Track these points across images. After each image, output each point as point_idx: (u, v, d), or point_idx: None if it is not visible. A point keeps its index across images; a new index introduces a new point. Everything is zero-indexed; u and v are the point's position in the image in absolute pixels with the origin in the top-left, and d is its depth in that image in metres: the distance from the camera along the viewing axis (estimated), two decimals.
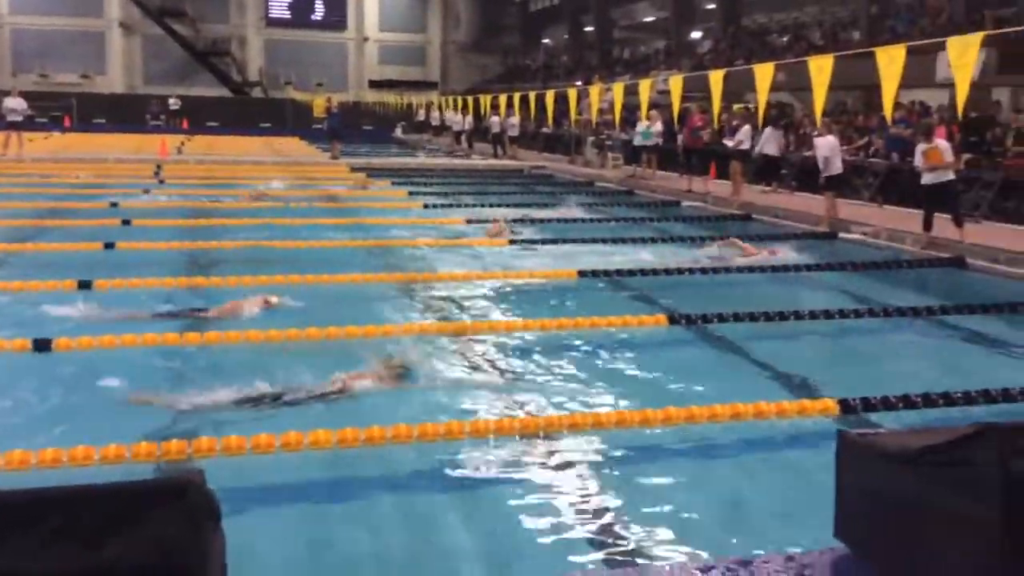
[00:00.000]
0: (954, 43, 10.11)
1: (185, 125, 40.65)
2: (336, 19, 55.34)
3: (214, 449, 4.43)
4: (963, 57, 9.77)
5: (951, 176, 11.71)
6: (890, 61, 10.72)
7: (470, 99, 33.45)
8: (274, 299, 7.80)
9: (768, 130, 17.75)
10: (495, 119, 29.33)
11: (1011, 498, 2.32)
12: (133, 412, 5.25)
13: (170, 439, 4.54)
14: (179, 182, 19.06)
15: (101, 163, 22.78)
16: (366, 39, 56.09)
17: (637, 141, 21.55)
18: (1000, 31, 16.54)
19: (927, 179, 11.64)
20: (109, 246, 10.40)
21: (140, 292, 8.19)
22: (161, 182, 19.21)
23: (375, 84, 54.75)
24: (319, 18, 55.17)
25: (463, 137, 33.48)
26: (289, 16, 54.41)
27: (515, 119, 28.67)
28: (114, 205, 14.44)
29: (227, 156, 26.26)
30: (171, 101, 42.85)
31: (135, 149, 27.23)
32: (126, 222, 12.52)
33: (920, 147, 11.78)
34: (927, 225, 11.61)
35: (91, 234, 11.24)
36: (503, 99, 27.94)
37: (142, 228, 12.17)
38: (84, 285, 8.13)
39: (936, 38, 13.52)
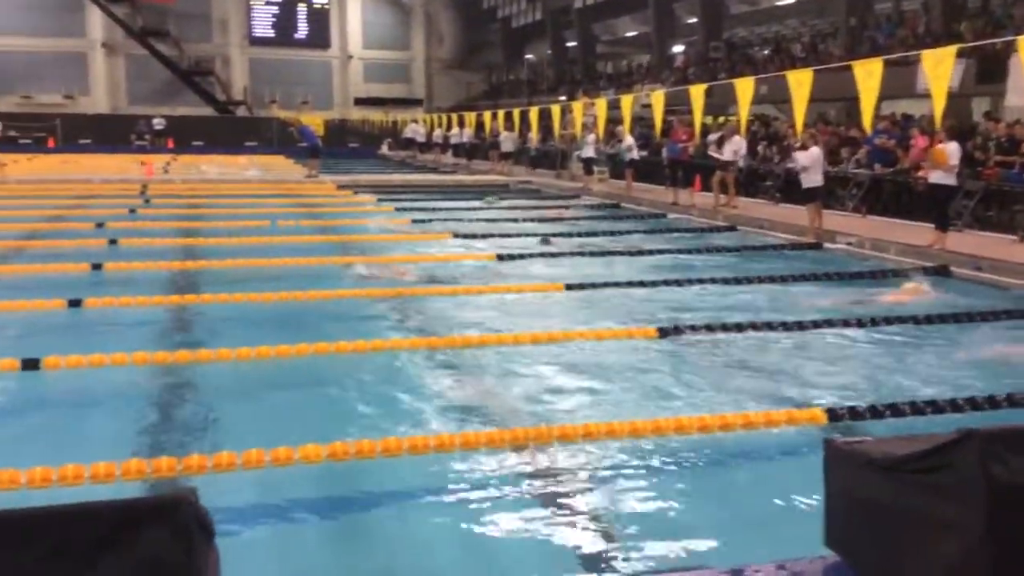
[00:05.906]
0: (929, 55, 10.22)
1: (171, 144, 40.57)
2: (319, 38, 55.49)
3: (205, 466, 4.42)
4: (938, 68, 9.88)
5: (953, 181, 11.90)
6: (867, 74, 10.82)
7: (455, 116, 33.46)
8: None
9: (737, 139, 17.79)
10: (513, 135, 28.94)
11: (993, 503, 2.34)
12: (122, 431, 5.24)
13: (160, 456, 4.54)
14: (165, 201, 18.99)
15: (86, 184, 22.67)
16: (350, 57, 56.21)
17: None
18: (975, 43, 16.75)
19: (933, 178, 11.83)
20: (97, 267, 10.36)
21: (129, 312, 8.19)
22: (147, 202, 19.14)
23: (360, 102, 54.85)
24: (303, 37, 55.30)
25: (461, 151, 33.15)
26: (273, 35, 54.52)
27: (505, 135, 28.76)
28: (100, 225, 14.39)
29: (211, 175, 26.17)
30: (155, 121, 42.82)
31: (120, 169, 27.14)
32: (112, 242, 12.49)
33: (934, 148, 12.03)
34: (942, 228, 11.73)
35: (78, 255, 11.19)
36: (488, 115, 28.03)
37: (129, 248, 12.14)
38: (74, 304, 8.10)
39: (914, 49, 13.66)
